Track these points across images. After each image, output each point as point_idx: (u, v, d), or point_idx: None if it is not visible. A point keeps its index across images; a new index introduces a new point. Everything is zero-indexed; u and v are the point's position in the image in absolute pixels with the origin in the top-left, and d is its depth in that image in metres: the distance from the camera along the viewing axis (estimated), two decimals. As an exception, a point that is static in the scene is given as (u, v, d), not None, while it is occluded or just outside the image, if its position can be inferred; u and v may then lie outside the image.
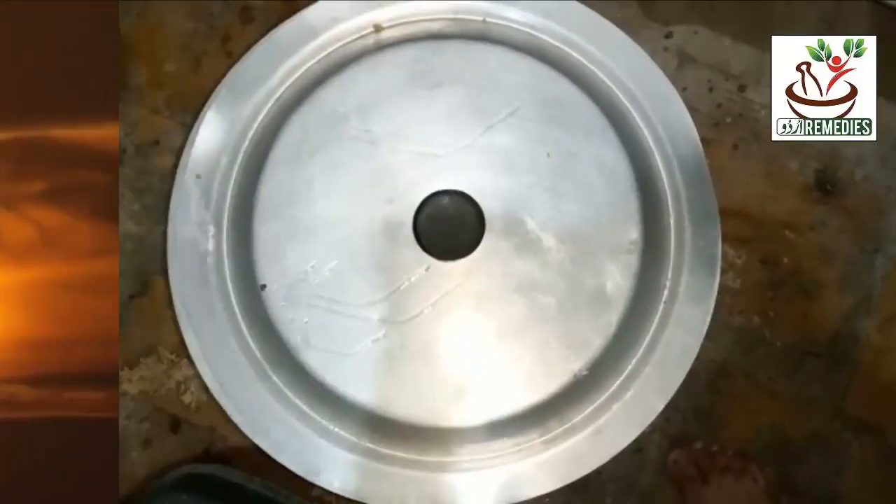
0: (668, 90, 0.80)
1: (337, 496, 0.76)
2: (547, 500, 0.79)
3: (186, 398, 0.81)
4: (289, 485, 0.75)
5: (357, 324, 0.74)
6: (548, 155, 0.76)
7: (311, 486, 0.76)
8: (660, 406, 0.74)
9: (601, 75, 0.80)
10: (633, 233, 0.75)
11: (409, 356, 0.73)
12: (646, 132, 0.79)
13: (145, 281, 0.82)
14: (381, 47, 0.80)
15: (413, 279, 0.74)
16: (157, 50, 0.86)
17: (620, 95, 0.80)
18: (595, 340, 0.73)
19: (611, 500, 0.81)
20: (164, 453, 0.81)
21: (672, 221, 0.78)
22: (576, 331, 0.73)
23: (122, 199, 0.83)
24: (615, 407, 0.74)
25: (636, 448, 0.81)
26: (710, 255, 0.77)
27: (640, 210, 0.75)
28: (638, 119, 0.80)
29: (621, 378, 0.75)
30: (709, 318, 0.75)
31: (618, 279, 0.74)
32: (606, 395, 0.75)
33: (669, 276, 0.77)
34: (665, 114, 0.80)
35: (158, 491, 0.73)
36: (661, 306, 0.76)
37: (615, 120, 0.78)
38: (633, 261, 0.74)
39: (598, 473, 0.79)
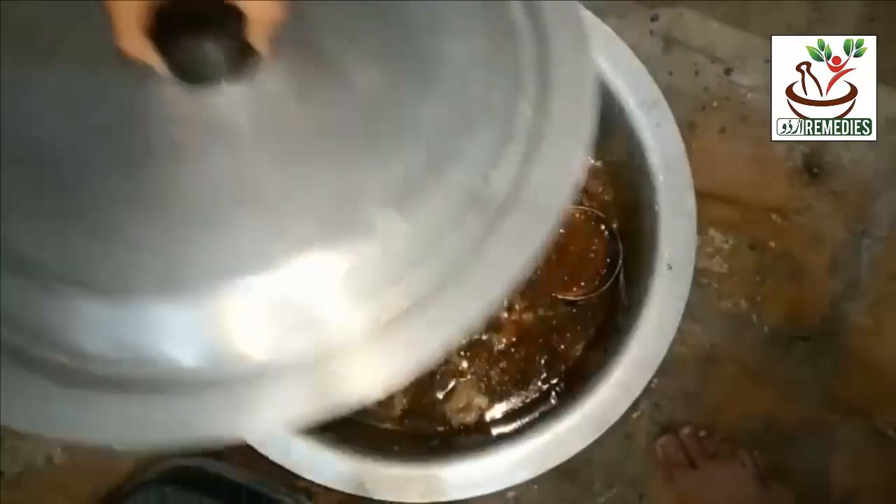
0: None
1: (325, 487, 0.76)
2: (535, 486, 0.78)
3: (172, 390, 0.80)
4: (275, 476, 0.74)
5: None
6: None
7: (298, 476, 0.76)
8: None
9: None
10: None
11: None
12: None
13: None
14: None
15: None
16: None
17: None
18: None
19: (600, 485, 0.80)
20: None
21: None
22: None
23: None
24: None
25: (624, 434, 0.81)
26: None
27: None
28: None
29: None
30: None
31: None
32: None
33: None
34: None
35: (144, 483, 0.72)
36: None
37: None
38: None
39: (586, 460, 0.78)
